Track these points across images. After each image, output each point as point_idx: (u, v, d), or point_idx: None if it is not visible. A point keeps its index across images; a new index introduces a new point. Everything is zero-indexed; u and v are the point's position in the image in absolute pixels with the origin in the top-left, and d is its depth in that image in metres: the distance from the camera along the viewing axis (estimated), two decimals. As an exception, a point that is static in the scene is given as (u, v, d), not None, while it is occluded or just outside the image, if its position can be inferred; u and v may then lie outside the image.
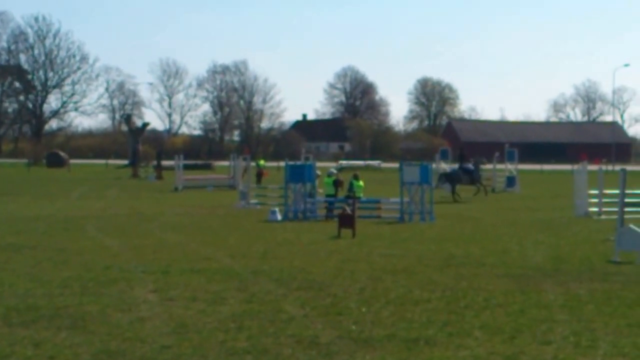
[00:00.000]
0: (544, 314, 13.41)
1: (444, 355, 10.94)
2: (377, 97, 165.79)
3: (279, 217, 30.74)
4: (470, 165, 45.84)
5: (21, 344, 11.26)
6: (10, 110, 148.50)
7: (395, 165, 68.86)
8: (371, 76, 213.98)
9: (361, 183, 32.50)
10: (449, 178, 45.32)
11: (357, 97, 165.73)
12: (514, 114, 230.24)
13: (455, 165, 46.19)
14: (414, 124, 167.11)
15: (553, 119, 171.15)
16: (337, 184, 33.70)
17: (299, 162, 39.63)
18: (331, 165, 66.83)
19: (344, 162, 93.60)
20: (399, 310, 13.51)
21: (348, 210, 25.52)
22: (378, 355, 10.91)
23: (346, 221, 24.89)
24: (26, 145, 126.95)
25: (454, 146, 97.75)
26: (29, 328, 12.14)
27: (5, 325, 12.34)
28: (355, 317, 12.98)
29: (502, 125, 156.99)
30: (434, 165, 45.10)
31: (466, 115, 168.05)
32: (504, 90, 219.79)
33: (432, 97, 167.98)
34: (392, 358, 10.86)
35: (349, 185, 32.79)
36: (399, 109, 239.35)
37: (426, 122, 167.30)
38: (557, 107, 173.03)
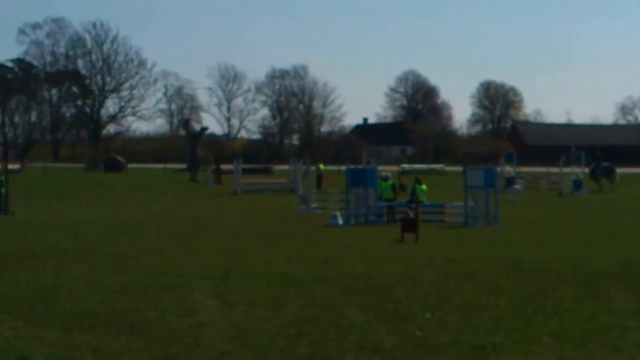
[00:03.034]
0: (614, 320, 13.10)
1: (511, 363, 10.69)
2: (439, 101, 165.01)
3: (340, 221, 30.50)
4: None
5: (79, 350, 11.20)
6: (68, 115, 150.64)
7: (459, 169, 68.34)
8: (433, 79, 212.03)
9: (424, 187, 32.09)
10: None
11: (419, 100, 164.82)
12: (580, 117, 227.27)
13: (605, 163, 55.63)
14: (478, 128, 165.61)
15: (621, 122, 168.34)
16: (396, 187, 33.33)
17: (360, 166, 39.35)
18: (392, 169, 66.44)
19: (405, 166, 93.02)
20: (465, 316, 13.27)
21: (411, 214, 25.21)
22: (443, 362, 10.69)
23: (409, 226, 24.60)
24: (84, 150, 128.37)
25: (519, 150, 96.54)
26: (87, 333, 12.09)
27: (63, 330, 12.29)
28: (419, 323, 12.74)
29: (569, 128, 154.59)
30: (498, 169, 44.63)
31: (531, 119, 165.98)
32: (570, 93, 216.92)
33: (496, 100, 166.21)
34: (457, 365, 10.63)
35: (412, 190, 32.42)
36: (461, 113, 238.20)
37: (490, 126, 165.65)
38: (625, 109, 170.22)
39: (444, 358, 10.84)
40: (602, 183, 54.39)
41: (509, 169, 58.80)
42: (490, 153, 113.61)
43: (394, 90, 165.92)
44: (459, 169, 66.40)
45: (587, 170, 56.00)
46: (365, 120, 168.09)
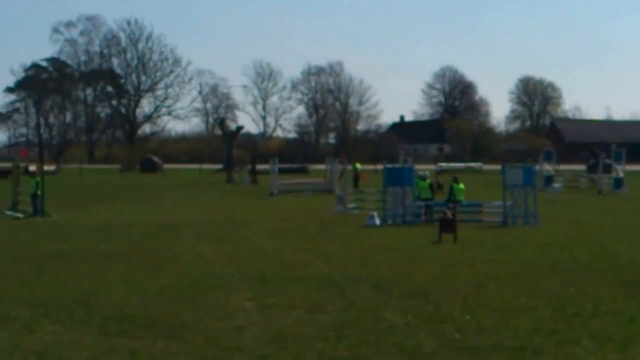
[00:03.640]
0: (657, 321, 12.91)
1: (552, 366, 10.58)
2: (476, 97, 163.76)
3: (378, 221, 30.35)
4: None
5: (118, 354, 11.22)
6: (103, 115, 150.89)
7: (497, 167, 67.85)
8: (470, 75, 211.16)
9: (462, 186, 31.85)
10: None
11: (457, 97, 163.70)
12: (620, 113, 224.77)
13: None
14: (516, 125, 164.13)
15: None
16: (433, 187, 33.09)
17: (397, 165, 39.15)
18: (430, 168, 66.13)
19: (443, 165, 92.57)
20: (504, 318, 13.12)
21: (449, 214, 25.03)
22: (482, 366, 10.59)
23: (447, 226, 24.42)
24: (119, 151, 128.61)
25: (557, 147, 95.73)
26: (125, 337, 12.11)
27: (102, 334, 12.32)
28: (458, 325, 12.64)
29: (608, 124, 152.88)
30: (537, 167, 44.25)
31: (570, 115, 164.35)
32: (610, 88, 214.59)
33: (535, 96, 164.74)
34: (497, 369, 10.51)
35: (450, 189, 32.19)
36: (500, 109, 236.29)
37: (528, 123, 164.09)
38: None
39: (483, 361, 10.73)
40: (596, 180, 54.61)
41: (547, 167, 58.31)
42: (529, 151, 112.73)
43: (430, 86, 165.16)
44: (497, 167, 65.97)
45: (584, 167, 56.14)
46: (402, 118, 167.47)
